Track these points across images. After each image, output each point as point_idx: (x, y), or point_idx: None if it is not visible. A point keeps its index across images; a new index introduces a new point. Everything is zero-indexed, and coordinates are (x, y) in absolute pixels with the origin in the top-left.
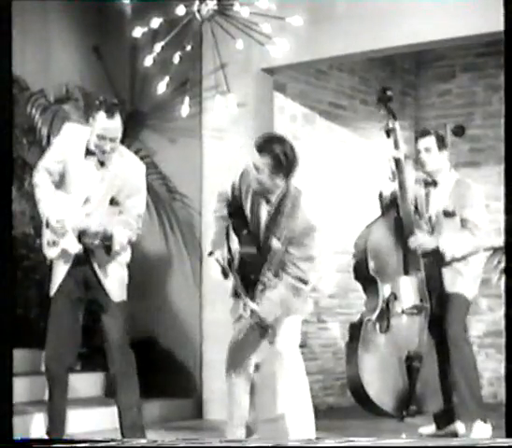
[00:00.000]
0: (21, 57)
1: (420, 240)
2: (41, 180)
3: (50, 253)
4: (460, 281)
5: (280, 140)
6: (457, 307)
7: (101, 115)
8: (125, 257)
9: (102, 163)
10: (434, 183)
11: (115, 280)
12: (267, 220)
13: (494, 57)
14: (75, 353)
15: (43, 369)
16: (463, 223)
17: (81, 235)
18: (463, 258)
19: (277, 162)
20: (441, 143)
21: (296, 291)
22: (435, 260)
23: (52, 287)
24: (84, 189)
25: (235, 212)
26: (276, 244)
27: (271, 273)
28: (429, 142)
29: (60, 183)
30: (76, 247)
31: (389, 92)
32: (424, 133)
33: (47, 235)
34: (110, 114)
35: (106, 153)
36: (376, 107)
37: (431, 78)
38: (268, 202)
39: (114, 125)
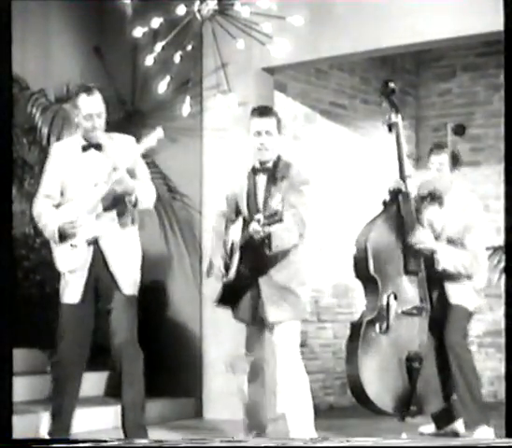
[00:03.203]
0: (21, 57)
1: (422, 238)
2: (42, 207)
3: (66, 266)
4: (462, 293)
5: (270, 107)
6: (457, 318)
7: (82, 97)
8: (137, 254)
9: (99, 147)
10: (441, 203)
11: (125, 272)
12: (265, 187)
13: (494, 57)
14: (88, 354)
15: (50, 368)
16: (463, 248)
17: (102, 201)
18: (456, 275)
19: (279, 121)
20: (454, 162)
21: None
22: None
23: (70, 295)
24: (90, 178)
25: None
26: (273, 199)
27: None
28: (442, 159)
29: (62, 200)
30: (94, 231)
31: (391, 85)
32: (438, 148)
33: (59, 250)
34: (89, 92)
35: (96, 131)
36: (378, 99)
37: (431, 78)
38: (265, 171)
39: (95, 100)
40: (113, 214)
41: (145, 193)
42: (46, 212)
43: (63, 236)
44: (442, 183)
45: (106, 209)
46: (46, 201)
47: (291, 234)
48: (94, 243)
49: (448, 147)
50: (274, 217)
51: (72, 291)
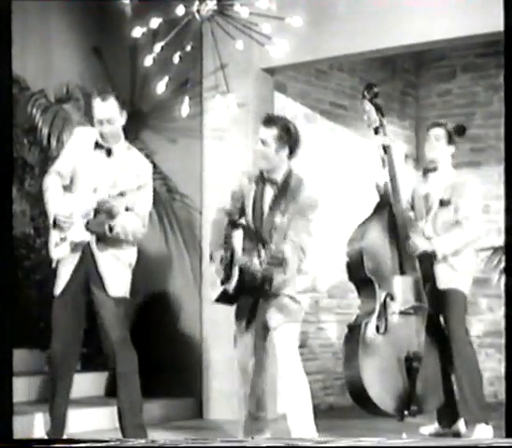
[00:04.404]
0: (21, 57)
1: (418, 244)
2: (51, 183)
3: (57, 253)
4: (454, 277)
5: (284, 117)
6: (455, 303)
7: (96, 101)
8: (130, 257)
9: (109, 152)
10: (434, 169)
11: (115, 275)
12: (272, 201)
13: (494, 57)
14: (79, 353)
15: (46, 369)
16: (456, 213)
17: (94, 213)
18: (454, 253)
19: (282, 133)
20: (450, 138)
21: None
22: (429, 259)
23: (57, 287)
24: (92, 180)
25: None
26: (279, 219)
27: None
28: (440, 132)
29: (70, 185)
30: (83, 235)
31: (375, 89)
32: (437, 124)
33: (54, 236)
34: (103, 97)
35: (106, 137)
36: (361, 103)
37: (431, 78)
38: (273, 183)
39: (108, 107)
40: (99, 230)
41: (129, 225)
42: (52, 188)
43: (56, 225)
44: (438, 152)
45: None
46: (56, 177)
47: (290, 271)
48: (86, 244)
49: (444, 125)
50: (277, 259)
51: (57, 284)
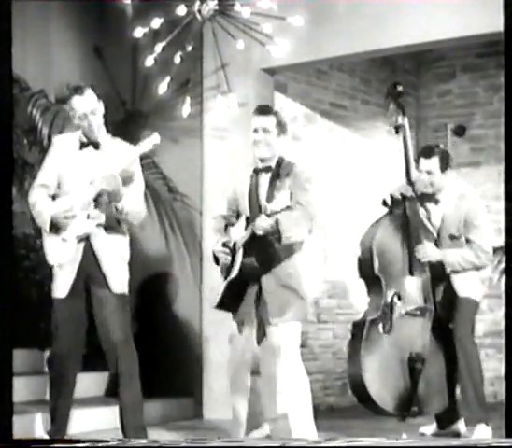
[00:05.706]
0: (21, 57)
1: (427, 252)
2: (38, 196)
3: (56, 259)
4: (469, 284)
5: (272, 106)
6: (466, 310)
7: (74, 98)
8: (126, 250)
9: (96, 146)
10: (436, 201)
11: (116, 271)
12: (268, 184)
13: (494, 57)
14: (82, 354)
15: (46, 369)
16: (468, 243)
17: (95, 201)
18: (463, 271)
19: (280, 120)
20: (444, 164)
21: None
22: (440, 264)
23: (58, 289)
24: (86, 175)
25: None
26: (278, 194)
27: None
28: (432, 164)
29: (58, 193)
30: (85, 227)
31: (399, 88)
32: (427, 154)
33: (50, 241)
34: (80, 92)
35: (93, 129)
36: (385, 101)
37: (431, 79)
38: (268, 170)
39: (87, 99)
40: (102, 217)
41: (133, 204)
42: (41, 200)
43: (54, 227)
44: (434, 186)
45: (95, 207)
46: (41, 190)
47: (301, 227)
48: (85, 240)
49: (437, 151)
50: (282, 207)
51: (60, 285)
